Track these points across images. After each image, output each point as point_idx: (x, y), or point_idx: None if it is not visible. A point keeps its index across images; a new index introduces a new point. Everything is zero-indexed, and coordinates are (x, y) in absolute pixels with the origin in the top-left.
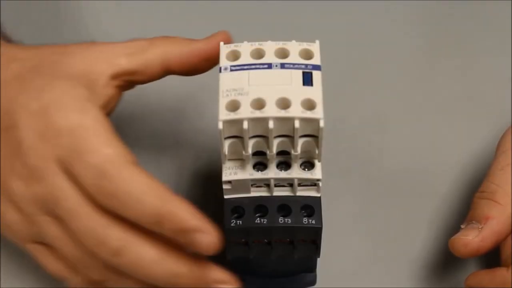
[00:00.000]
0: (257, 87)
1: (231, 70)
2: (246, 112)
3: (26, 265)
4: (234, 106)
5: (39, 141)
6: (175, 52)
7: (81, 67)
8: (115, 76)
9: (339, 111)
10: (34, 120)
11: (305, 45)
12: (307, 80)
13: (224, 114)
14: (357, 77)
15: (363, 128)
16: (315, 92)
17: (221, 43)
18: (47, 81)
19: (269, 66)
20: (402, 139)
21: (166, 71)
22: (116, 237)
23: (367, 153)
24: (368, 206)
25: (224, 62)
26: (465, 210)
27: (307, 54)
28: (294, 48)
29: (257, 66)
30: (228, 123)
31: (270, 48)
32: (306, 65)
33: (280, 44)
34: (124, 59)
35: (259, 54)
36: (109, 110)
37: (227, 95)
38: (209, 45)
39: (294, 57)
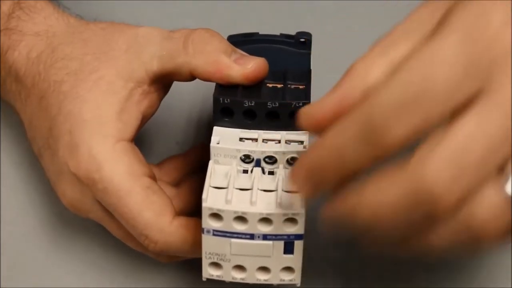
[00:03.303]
0: (239, 257)
1: (214, 235)
2: (228, 275)
3: (26, 265)
4: (217, 267)
5: (76, 180)
6: (200, 69)
7: (119, 79)
8: (152, 82)
9: None
10: (67, 154)
11: (290, 215)
12: (289, 249)
13: (207, 274)
14: None
15: None
16: (295, 259)
17: (204, 204)
18: (78, 108)
19: (251, 236)
20: None
21: (195, 78)
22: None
23: None
24: None
25: (206, 223)
26: None
27: (292, 221)
28: (279, 219)
29: (239, 236)
30: None
31: (253, 217)
32: (289, 235)
33: (264, 214)
34: (156, 63)
35: (242, 220)
36: (154, 110)
37: (210, 257)
38: (238, 73)
39: (277, 227)
